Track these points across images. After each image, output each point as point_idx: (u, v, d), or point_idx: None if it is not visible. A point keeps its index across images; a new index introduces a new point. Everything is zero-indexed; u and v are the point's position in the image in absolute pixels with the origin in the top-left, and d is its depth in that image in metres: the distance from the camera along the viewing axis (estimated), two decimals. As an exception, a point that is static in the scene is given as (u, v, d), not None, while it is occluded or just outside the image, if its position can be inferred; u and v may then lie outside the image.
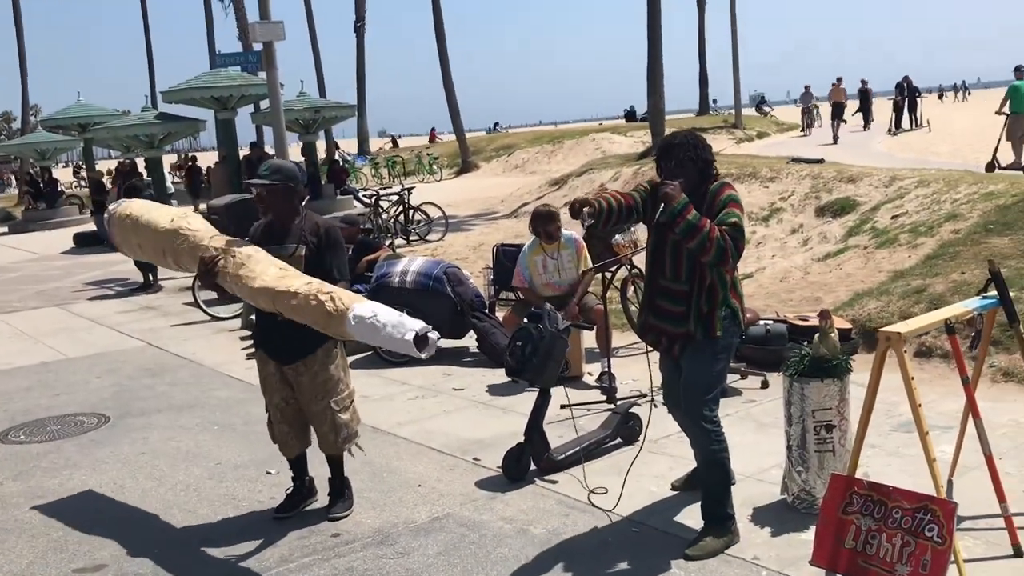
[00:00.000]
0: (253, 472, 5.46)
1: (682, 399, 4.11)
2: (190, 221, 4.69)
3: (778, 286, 9.18)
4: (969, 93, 66.38)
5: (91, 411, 7.07)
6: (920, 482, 4.07)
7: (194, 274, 5.03)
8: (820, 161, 14.14)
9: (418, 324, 3.90)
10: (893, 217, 10.30)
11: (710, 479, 4.12)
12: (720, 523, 4.06)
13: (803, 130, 33.75)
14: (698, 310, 3.99)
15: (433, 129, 54.23)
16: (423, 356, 3.94)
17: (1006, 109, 15.88)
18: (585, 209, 3.84)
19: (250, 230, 4.76)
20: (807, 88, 34.33)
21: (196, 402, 7.14)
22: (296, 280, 4.21)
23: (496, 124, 58.20)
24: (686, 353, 4.08)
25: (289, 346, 4.49)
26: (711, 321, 3.99)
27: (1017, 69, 18.90)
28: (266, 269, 4.28)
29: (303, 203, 4.74)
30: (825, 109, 31.46)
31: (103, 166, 37.23)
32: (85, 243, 19.24)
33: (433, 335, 3.93)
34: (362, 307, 3.99)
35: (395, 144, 49.08)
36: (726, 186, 4.03)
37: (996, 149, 15.24)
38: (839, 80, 30.02)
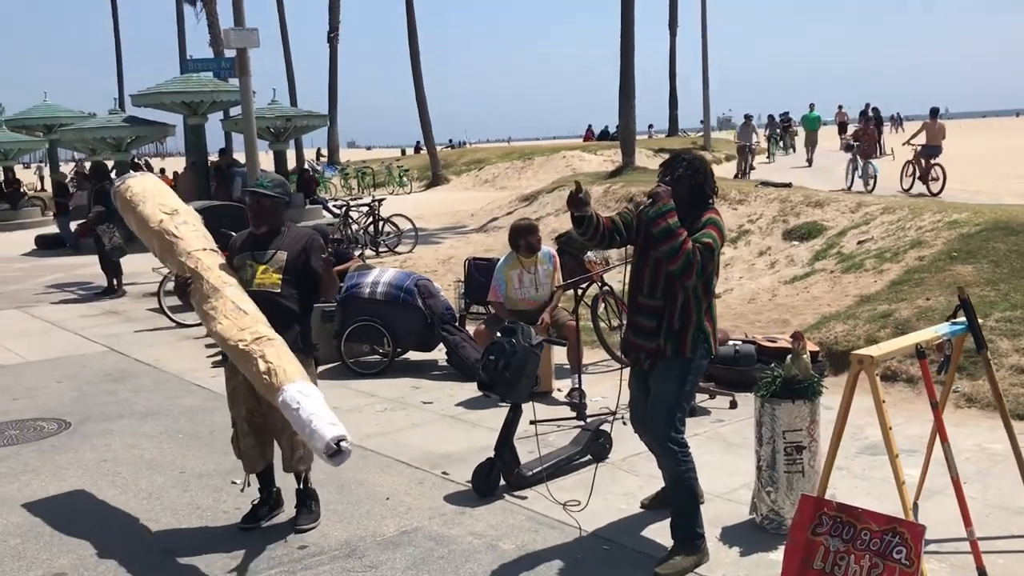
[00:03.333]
0: (218, 481, 5.38)
1: (649, 418, 4.14)
2: (177, 226, 4.70)
3: (746, 307, 9.26)
4: (902, 125, 65.43)
5: (51, 416, 6.93)
6: (885, 505, 4.11)
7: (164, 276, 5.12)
8: (788, 185, 14.31)
9: (329, 434, 3.84)
10: (859, 242, 10.44)
11: (677, 498, 4.14)
12: (689, 541, 4.08)
13: (738, 174, 24.36)
14: (669, 326, 4.05)
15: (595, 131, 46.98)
16: (334, 465, 3.97)
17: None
18: (580, 195, 3.98)
19: (232, 241, 4.87)
20: (747, 120, 26.77)
21: (160, 409, 7.03)
22: (248, 331, 4.23)
23: (451, 140, 56.58)
24: (655, 371, 4.12)
25: None
26: (682, 339, 4.05)
27: (811, 105, 28.86)
28: (227, 307, 4.32)
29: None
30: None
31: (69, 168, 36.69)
32: (47, 245, 18.94)
33: (347, 446, 3.88)
34: (290, 392, 3.99)
35: (319, 157, 47.03)
36: (712, 210, 4.14)
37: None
38: (840, 107, 35.15)
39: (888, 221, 10.71)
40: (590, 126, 48.08)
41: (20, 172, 33.34)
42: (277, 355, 4.16)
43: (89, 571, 4.25)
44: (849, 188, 18.27)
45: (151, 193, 4.97)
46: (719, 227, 4.07)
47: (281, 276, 4.57)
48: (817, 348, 7.06)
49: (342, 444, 3.85)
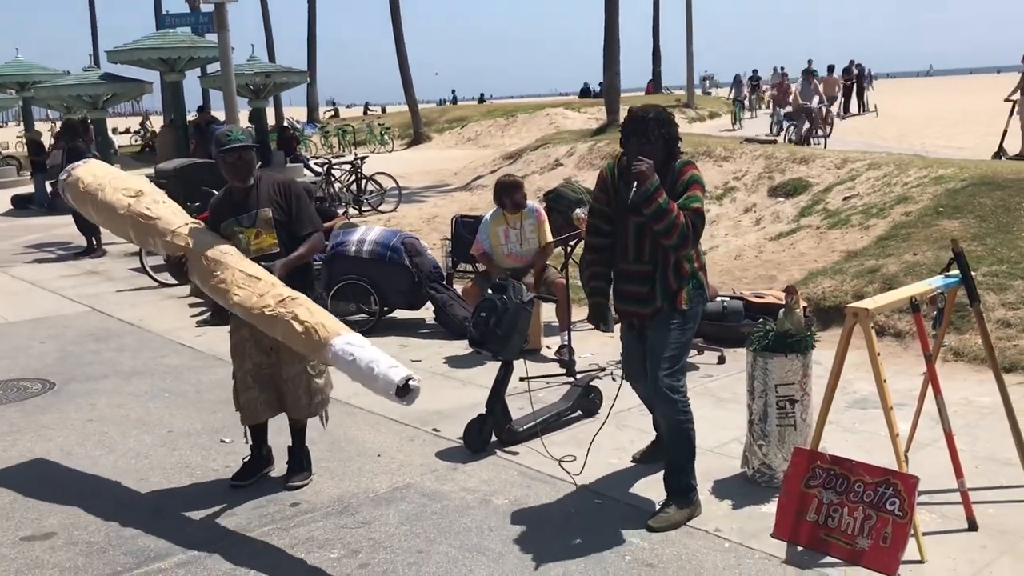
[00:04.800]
0: (207, 440, 5.35)
1: (648, 370, 4.12)
2: (148, 207, 4.51)
3: (732, 264, 9.26)
4: (872, 82, 63.06)
5: (35, 376, 6.86)
6: (875, 457, 4.14)
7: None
8: (773, 142, 14.29)
9: (400, 374, 3.81)
10: (845, 199, 10.44)
11: (675, 449, 4.14)
12: (682, 494, 4.09)
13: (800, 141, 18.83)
14: (665, 287, 4.02)
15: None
16: (404, 405, 3.91)
17: (1015, 96, 14.90)
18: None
19: (211, 204, 4.73)
20: (808, 76, 20.60)
21: (145, 369, 6.97)
22: (269, 295, 4.14)
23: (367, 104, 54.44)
24: (652, 323, 4.10)
25: None
26: (679, 295, 4.02)
27: (808, 61, 23.45)
28: (236, 278, 4.21)
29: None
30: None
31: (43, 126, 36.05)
32: (23, 205, 18.65)
33: (416, 384, 3.85)
34: (339, 344, 3.93)
35: (336, 115, 47.03)
36: (689, 165, 4.05)
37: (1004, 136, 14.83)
38: (781, 67, 32.34)
39: (874, 177, 10.70)
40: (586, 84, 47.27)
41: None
42: (309, 312, 4.08)
43: (79, 531, 4.22)
44: (775, 133, 21.08)
45: (106, 179, 4.69)
46: (701, 184, 4.01)
47: (275, 235, 4.49)
48: (805, 303, 7.08)
49: (410, 383, 3.83)
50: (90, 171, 4.80)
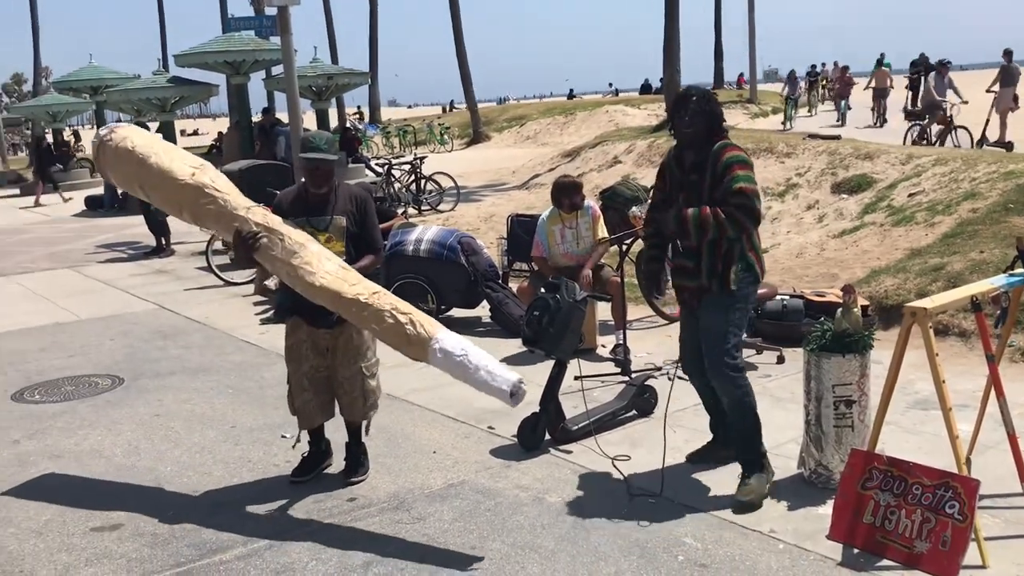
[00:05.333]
0: (268, 435, 5.48)
1: (705, 353, 4.23)
2: (213, 179, 4.40)
3: (794, 262, 9.13)
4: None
5: (105, 372, 7.09)
6: (937, 460, 4.06)
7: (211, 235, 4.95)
8: (837, 138, 14.02)
9: (514, 376, 3.94)
10: (910, 195, 10.20)
11: (740, 423, 4.25)
12: (757, 463, 4.20)
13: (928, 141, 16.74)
14: (712, 266, 4.12)
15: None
16: (513, 406, 4.04)
17: (995, 88, 16.97)
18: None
19: (280, 198, 4.72)
20: (942, 68, 18.14)
21: (210, 366, 7.15)
22: (361, 285, 4.16)
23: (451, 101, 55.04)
24: (702, 305, 4.22)
25: (328, 310, 4.37)
26: (726, 276, 4.12)
27: (881, 55, 27.80)
28: (323, 264, 4.18)
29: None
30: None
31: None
32: (97, 205, 19.26)
33: (524, 387, 4.00)
34: (448, 340, 3.98)
35: (362, 117, 46.41)
36: (729, 147, 4.11)
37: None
38: (836, 62, 33.09)
39: (940, 173, 10.44)
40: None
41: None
42: (409, 306, 4.11)
43: (145, 522, 4.36)
44: (841, 123, 24.24)
45: (160, 147, 4.48)
46: (742, 162, 4.06)
47: (344, 245, 4.53)
48: (867, 302, 6.95)
49: (521, 385, 3.98)
50: (140, 134, 4.56)
